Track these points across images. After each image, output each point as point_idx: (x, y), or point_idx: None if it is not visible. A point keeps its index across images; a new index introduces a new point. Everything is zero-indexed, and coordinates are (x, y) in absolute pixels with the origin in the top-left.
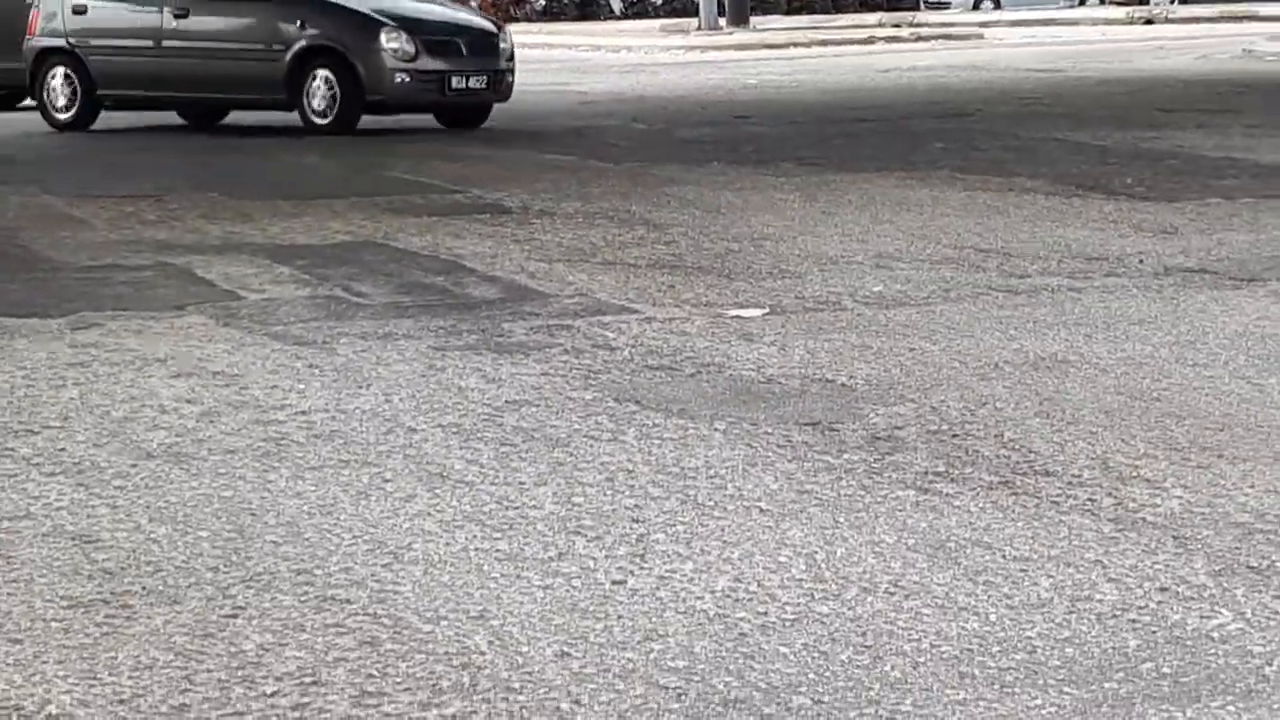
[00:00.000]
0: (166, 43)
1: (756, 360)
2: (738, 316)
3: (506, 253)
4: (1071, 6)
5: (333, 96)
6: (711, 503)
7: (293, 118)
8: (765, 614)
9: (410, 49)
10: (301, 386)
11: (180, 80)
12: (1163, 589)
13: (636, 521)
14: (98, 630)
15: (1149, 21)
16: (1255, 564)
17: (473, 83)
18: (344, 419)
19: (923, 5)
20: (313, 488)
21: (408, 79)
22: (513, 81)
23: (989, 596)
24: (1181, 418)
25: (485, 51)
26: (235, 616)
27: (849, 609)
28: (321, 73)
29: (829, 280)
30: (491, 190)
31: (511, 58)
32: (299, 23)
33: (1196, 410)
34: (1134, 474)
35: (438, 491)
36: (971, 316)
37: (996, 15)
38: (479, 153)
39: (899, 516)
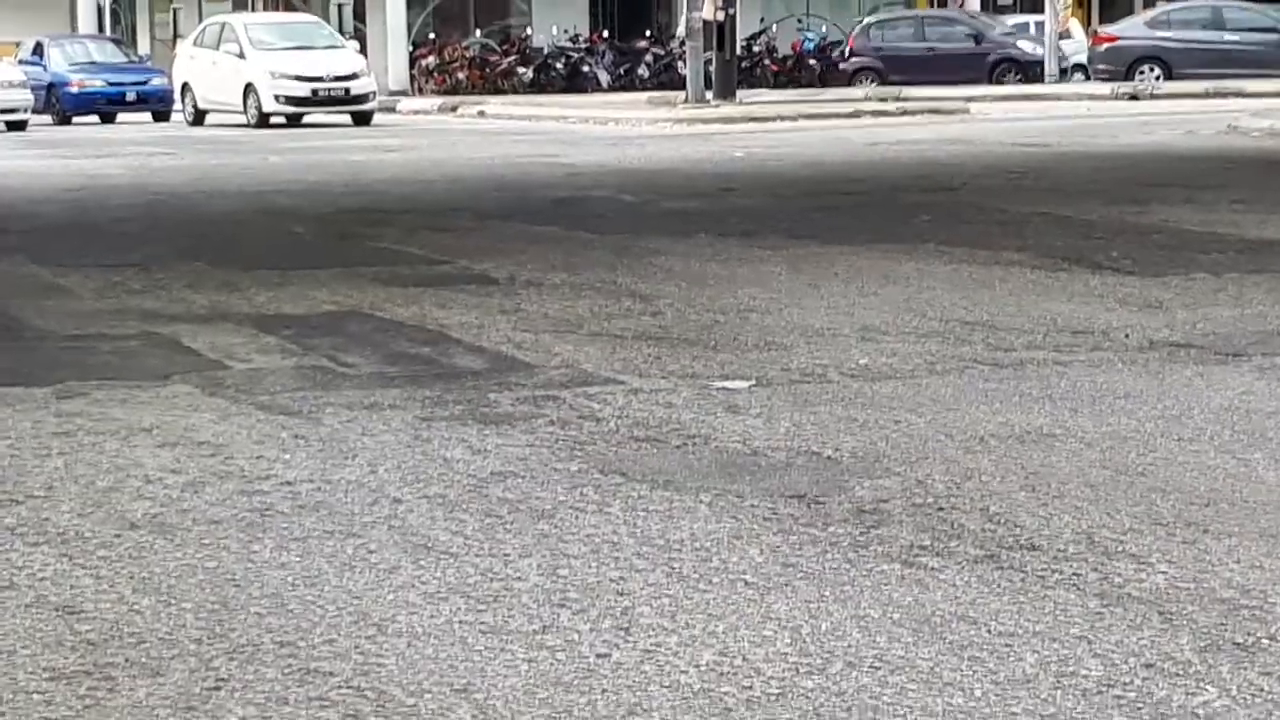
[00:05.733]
0: None
1: (742, 432)
2: (724, 388)
3: (493, 323)
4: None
5: None
6: (697, 576)
7: None
8: (750, 688)
9: None
10: (287, 457)
11: None
12: (1148, 665)
13: (621, 594)
14: (79, 703)
15: (1134, 97)
16: (1241, 640)
17: None
18: (329, 490)
19: None
20: (297, 559)
21: None
22: None
23: (974, 672)
24: (1167, 493)
25: None
26: (218, 689)
27: (834, 684)
28: None
29: (815, 353)
30: (478, 261)
31: None
32: None
33: (1182, 485)
34: (1119, 549)
35: (422, 563)
36: (957, 390)
37: (983, 90)
38: (466, 224)
39: (884, 590)
